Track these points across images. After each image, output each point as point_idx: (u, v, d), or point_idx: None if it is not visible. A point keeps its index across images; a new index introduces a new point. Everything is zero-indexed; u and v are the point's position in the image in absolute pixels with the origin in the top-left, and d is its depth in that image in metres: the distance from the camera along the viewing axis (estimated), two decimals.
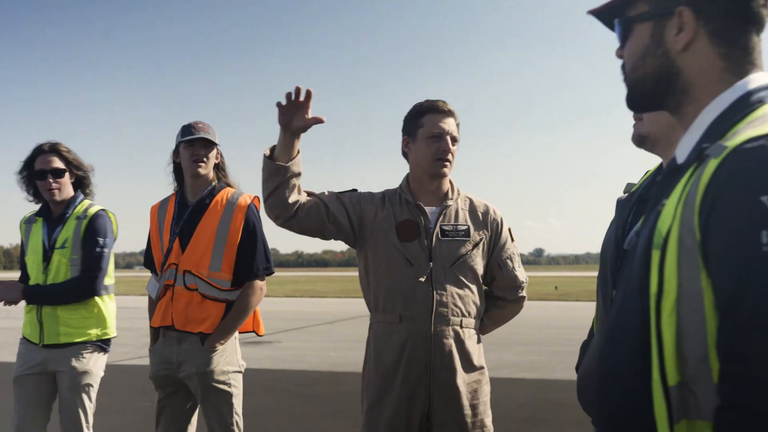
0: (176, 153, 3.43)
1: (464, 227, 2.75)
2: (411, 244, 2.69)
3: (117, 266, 3.98)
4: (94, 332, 3.60)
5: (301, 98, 2.49)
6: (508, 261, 2.84)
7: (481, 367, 2.75)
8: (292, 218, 2.63)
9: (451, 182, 2.84)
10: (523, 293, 2.93)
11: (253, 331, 3.57)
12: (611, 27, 1.35)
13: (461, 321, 2.67)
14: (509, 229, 2.90)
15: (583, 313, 14.79)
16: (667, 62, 1.22)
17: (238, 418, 3.31)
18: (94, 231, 3.62)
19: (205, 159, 3.34)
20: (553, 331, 13.99)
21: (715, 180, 1.03)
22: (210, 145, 3.36)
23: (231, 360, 3.32)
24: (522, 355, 10.39)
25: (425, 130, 2.72)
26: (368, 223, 2.75)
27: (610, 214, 2.13)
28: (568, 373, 8.69)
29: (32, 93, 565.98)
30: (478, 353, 2.74)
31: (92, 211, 3.68)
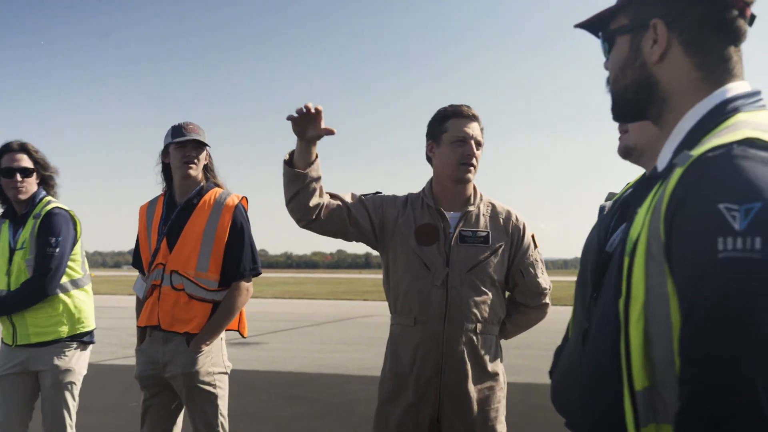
0: (165, 153, 3.42)
1: (484, 233, 2.75)
2: (429, 248, 2.70)
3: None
4: (65, 329, 3.57)
5: (312, 112, 2.50)
6: (531, 268, 2.84)
7: (496, 374, 2.74)
8: (313, 221, 2.66)
9: (474, 187, 2.84)
10: (547, 300, 2.92)
11: (238, 331, 3.57)
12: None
13: (476, 327, 2.67)
14: (533, 236, 2.89)
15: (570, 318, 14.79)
16: (644, 73, 1.26)
17: (223, 419, 3.30)
18: (46, 230, 3.55)
19: (195, 161, 3.35)
20: (540, 335, 13.90)
21: (678, 188, 1.06)
22: (201, 146, 3.37)
23: (216, 361, 3.32)
24: (509, 359, 10.35)
25: (449, 134, 2.73)
26: (389, 226, 2.78)
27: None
28: None
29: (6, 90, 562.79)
30: (494, 360, 2.74)
31: (46, 209, 3.60)
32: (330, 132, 2.54)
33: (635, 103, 1.30)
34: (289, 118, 2.50)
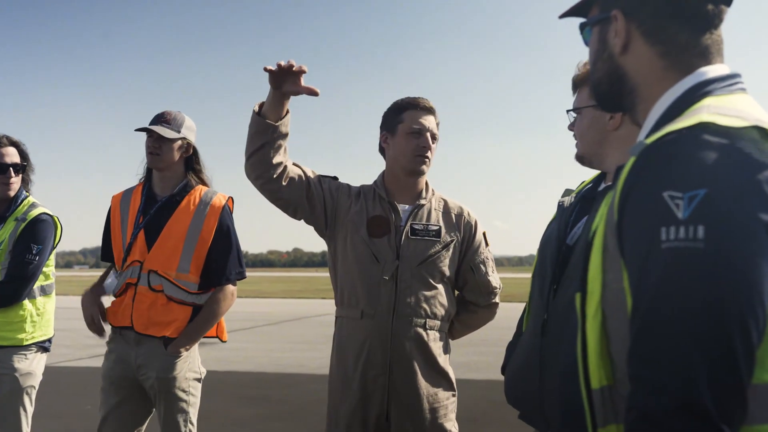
0: None
1: (435, 227, 2.71)
2: (380, 240, 2.64)
3: (56, 265, 3.83)
4: (26, 335, 3.43)
5: (294, 69, 2.39)
6: (481, 265, 2.80)
7: (445, 372, 2.68)
8: (272, 181, 2.55)
9: (426, 182, 2.81)
10: (496, 299, 2.89)
11: (217, 337, 3.42)
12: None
13: (425, 322, 2.61)
14: (484, 233, 2.85)
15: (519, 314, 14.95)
16: (612, 65, 1.25)
17: (193, 427, 3.17)
18: (29, 236, 3.42)
19: (159, 152, 3.14)
20: (495, 332, 14.03)
21: (629, 178, 1.03)
22: (162, 136, 3.14)
23: (193, 367, 3.19)
24: (467, 356, 10.44)
25: (405, 125, 2.69)
26: (341, 214, 2.71)
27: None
28: None
29: None
30: (443, 357, 2.68)
31: (33, 213, 3.48)
32: (313, 92, 2.44)
33: (610, 95, 1.28)
34: (267, 69, 2.40)
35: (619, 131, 2.02)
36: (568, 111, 2.12)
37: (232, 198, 3.31)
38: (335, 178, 2.80)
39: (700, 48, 1.17)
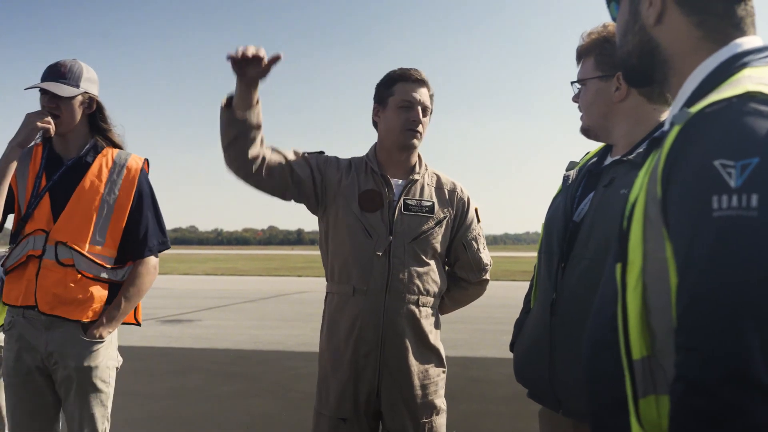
0: None
1: (429, 203, 2.66)
2: (372, 215, 2.59)
3: None
4: None
5: (249, 57, 2.24)
6: (473, 242, 2.76)
7: (436, 348, 2.66)
8: (252, 175, 2.48)
9: (419, 156, 2.75)
10: (487, 276, 2.86)
11: (136, 322, 3.04)
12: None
13: (418, 299, 2.58)
14: (476, 210, 2.81)
15: (503, 293, 15.11)
16: (644, 37, 1.23)
17: (108, 424, 2.81)
18: None
19: (57, 112, 2.73)
20: (477, 310, 14.19)
21: (674, 146, 1.02)
22: (56, 95, 2.72)
23: (113, 354, 2.84)
24: (446, 333, 10.50)
25: (396, 98, 2.62)
26: (331, 189, 2.64)
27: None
28: (492, 351, 8.87)
29: None
30: (434, 333, 2.66)
31: None
32: (275, 59, 2.27)
33: (640, 68, 1.27)
34: (230, 56, 2.25)
35: (624, 103, 1.99)
36: (572, 83, 2.09)
37: (147, 160, 2.97)
38: (321, 153, 2.74)
39: (735, 18, 1.16)
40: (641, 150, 1.92)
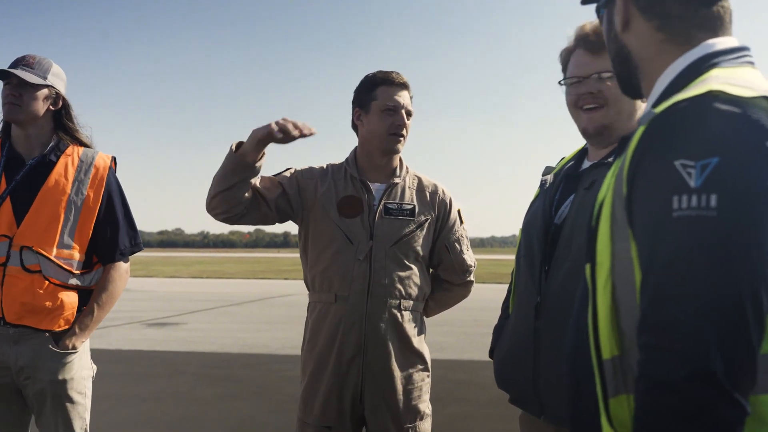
0: None
1: (410, 206, 2.64)
2: (352, 220, 2.57)
3: None
4: None
5: (306, 134, 2.38)
6: (456, 244, 2.74)
7: (420, 353, 2.64)
8: (235, 217, 2.51)
9: (401, 159, 2.74)
10: (471, 277, 2.84)
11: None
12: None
13: (400, 303, 2.56)
14: (459, 211, 2.79)
15: (490, 295, 15.12)
16: (618, 44, 1.26)
17: None
18: None
19: (19, 101, 2.61)
20: (462, 313, 14.16)
21: (639, 146, 1.03)
22: (29, 84, 2.62)
23: (87, 363, 2.72)
24: (432, 336, 10.49)
25: (379, 102, 2.61)
26: (308, 198, 2.63)
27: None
28: (478, 354, 8.88)
29: None
30: (417, 337, 2.64)
31: None
32: (307, 134, 2.41)
33: (622, 75, 1.29)
34: (272, 134, 2.34)
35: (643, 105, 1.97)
36: (603, 73, 1.91)
37: (115, 158, 2.84)
38: (288, 169, 2.72)
39: (702, 20, 1.16)
40: None
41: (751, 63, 1.14)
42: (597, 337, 1.10)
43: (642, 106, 1.95)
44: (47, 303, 2.57)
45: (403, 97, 2.63)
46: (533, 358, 1.89)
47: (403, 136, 2.64)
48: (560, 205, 1.97)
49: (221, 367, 7.96)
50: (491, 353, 2.19)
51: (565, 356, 1.24)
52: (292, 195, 2.62)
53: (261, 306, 16.56)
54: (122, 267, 2.78)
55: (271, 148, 2.46)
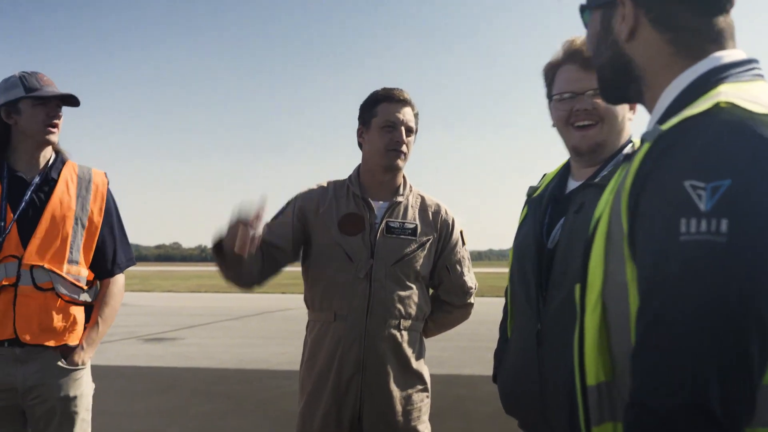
0: (8, 110, 2.62)
1: (412, 225, 2.61)
2: (353, 238, 2.55)
3: None
4: None
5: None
6: (457, 265, 2.71)
7: (419, 373, 2.61)
8: (257, 283, 2.62)
9: (404, 177, 2.71)
10: (471, 300, 2.80)
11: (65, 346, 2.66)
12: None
13: (399, 323, 2.53)
14: (461, 232, 2.76)
15: (488, 309, 15.07)
16: (617, 51, 1.18)
17: None
18: None
19: (58, 125, 2.66)
20: (461, 326, 14.02)
21: (644, 164, 0.98)
22: (62, 106, 2.68)
23: (89, 379, 2.72)
24: (430, 350, 10.44)
25: (379, 119, 2.59)
26: (310, 219, 2.62)
27: (510, 213, 2.15)
28: (476, 368, 8.84)
29: None
30: (417, 357, 2.61)
31: None
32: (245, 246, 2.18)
33: (615, 83, 1.23)
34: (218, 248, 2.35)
35: (630, 121, 1.93)
36: (594, 90, 1.85)
37: (106, 173, 2.86)
38: (289, 203, 2.69)
39: (712, 33, 1.11)
40: (606, 173, 1.87)
41: (761, 76, 1.10)
42: (582, 361, 1.05)
43: (628, 122, 1.94)
44: (62, 320, 2.58)
45: (404, 113, 2.60)
46: (539, 385, 1.85)
47: (403, 152, 2.60)
48: (551, 228, 1.91)
49: (219, 383, 7.91)
50: (495, 378, 2.15)
51: (563, 384, 1.23)
52: (299, 227, 2.63)
53: (259, 320, 16.51)
54: (120, 281, 2.82)
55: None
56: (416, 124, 2.67)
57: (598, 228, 1.07)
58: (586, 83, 1.90)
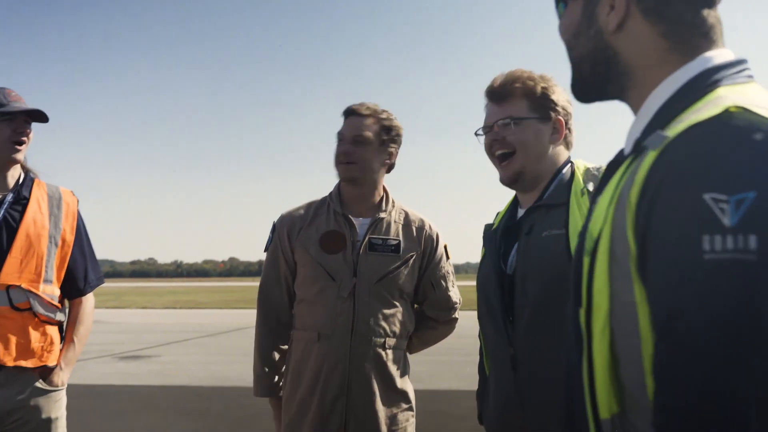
0: None
1: (395, 242, 2.59)
2: (334, 257, 2.54)
3: None
4: None
5: None
6: (442, 281, 2.70)
7: (405, 391, 2.60)
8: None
9: (386, 192, 2.69)
10: (456, 315, 2.80)
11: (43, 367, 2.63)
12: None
13: (384, 342, 2.51)
14: (445, 247, 2.75)
15: (465, 322, 15.06)
16: (601, 43, 1.09)
17: None
18: None
19: (27, 139, 2.60)
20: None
21: (653, 175, 0.89)
22: (30, 120, 2.61)
23: (65, 400, 2.68)
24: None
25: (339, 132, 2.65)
26: (293, 241, 2.63)
27: (481, 226, 2.17)
28: (454, 383, 8.83)
29: None
30: (401, 376, 2.59)
31: None
32: None
33: (593, 77, 1.13)
34: None
35: (557, 147, 1.99)
36: (504, 120, 1.96)
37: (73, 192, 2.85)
38: (271, 235, 2.73)
39: (704, 28, 1.04)
40: (551, 191, 1.94)
41: (752, 77, 1.03)
42: (593, 393, 0.96)
43: (554, 147, 1.98)
44: (39, 340, 2.54)
45: (353, 125, 2.60)
46: (522, 412, 1.85)
47: (351, 162, 2.58)
48: (507, 255, 1.96)
49: (197, 401, 7.83)
50: (480, 420, 2.15)
51: (561, 418, 1.12)
52: (289, 255, 2.66)
53: (235, 337, 16.36)
54: (91, 300, 2.81)
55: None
56: (380, 133, 2.61)
57: (599, 246, 0.97)
58: (496, 115, 1.99)
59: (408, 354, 2.73)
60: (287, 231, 2.65)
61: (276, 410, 2.67)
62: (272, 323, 2.69)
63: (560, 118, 1.98)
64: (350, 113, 2.63)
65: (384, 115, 2.63)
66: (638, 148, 0.98)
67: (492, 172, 2.08)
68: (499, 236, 2.03)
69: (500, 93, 1.99)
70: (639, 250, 0.90)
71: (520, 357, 1.86)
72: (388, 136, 2.63)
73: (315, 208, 2.68)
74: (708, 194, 0.82)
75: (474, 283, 2.13)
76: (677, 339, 0.82)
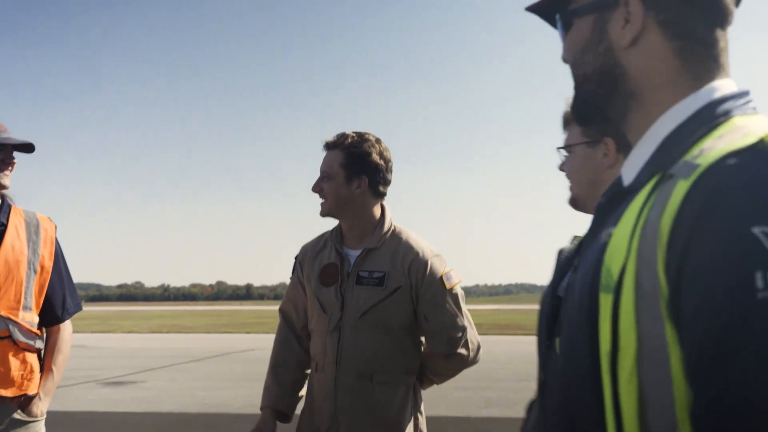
0: None
1: (380, 274, 2.48)
2: (328, 289, 2.55)
3: None
4: None
5: None
6: (437, 312, 2.51)
7: (398, 425, 2.47)
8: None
9: (382, 221, 2.60)
10: (461, 350, 2.55)
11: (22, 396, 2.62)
12: (553, 23, 1.16)
13: (372, 376, 2.43)
14: (443, 275, 2.55)
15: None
16: (610, 60, 1.03)
17: None
18: None
19: (11, 168, 2.60)
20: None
21: (688, 207, 0.81)
22: (14, 150, 2.61)
23: (42, 429, 2.64)
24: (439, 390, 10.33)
25: None
26: (305, 270, 2.69)
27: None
28: (442, 410, 8.72)
29: None
30: (397, 413, 2.47)
31: None
32: None
33: (595, 97, 1.07)
34: None
35: (614, 169, 1.93)
36: (558, 149, 1.99)
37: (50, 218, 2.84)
38: (294, 265, 2.78)
39: (715, 50, 0.99)
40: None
41: (755, 110, 0.99)
42: None
43: (609, 171, 1.92)
44: (19, 369, 2.52)
45: (323, 159, 2.59)
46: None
47: (322, 199, 2.57)
48: (564, 275, 1.90)
49: (181, 429, 7.70)
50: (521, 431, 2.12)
51: None
52: (304, 282, 2.70)
53: (222, 362, 16.19)
54: (69, 327, 2.79)
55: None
56: (346, 165, 2.53)
57: (623, 281, 0.88)
58: (563, 142, 1.99)
59: (422, 388, 2.67)
60: (301, 261, 2.73)
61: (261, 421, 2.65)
62: (283, 336, 2.76)
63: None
64: (325, 146, 2.62)
65: (354, 144, 2.54)
66: (663, 177, 0.90)
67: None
68: (563, 258, 1.96)
69: (565, 119, 1.99)
70: (672, 287, 0.82)
71: (549, 384, 1.80)
72: (359, 165, 2.53)
73: (324, 240, 2.70)
74: (758, 227, 0.75)
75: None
76: (724, 387, 0.74)
